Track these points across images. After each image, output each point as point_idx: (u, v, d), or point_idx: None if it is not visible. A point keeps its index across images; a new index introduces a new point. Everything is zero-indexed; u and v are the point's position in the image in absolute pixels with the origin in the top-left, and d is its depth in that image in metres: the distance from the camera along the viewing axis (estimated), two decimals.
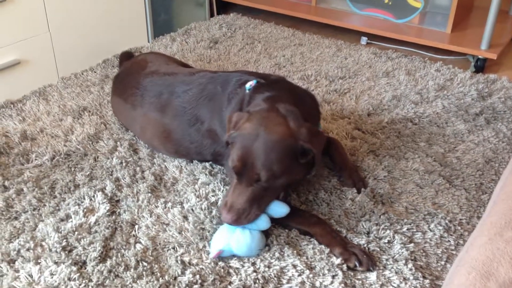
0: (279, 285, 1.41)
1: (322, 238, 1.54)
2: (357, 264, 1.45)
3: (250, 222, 1.49)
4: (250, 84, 1.71)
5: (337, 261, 1.47)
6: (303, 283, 1.41)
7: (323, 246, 1.53)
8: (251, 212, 1.48)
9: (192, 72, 1.96)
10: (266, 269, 1.45)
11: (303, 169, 1.55)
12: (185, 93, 1.85)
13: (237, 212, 1.46)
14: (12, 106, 2.32)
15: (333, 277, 1.42)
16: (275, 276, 1.43)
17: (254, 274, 1.43)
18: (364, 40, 3.11)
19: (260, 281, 1.41)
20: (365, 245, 1.53)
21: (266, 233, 1.57)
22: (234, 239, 1.48)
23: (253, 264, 1.47)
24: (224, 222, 1.50)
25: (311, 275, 1.43)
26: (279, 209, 1.55)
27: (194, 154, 1.88)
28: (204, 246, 1.53)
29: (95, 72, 2.66)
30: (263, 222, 1.52)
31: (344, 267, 1.46)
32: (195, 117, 1.81)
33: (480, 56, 2.73)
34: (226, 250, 1.48)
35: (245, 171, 1.47)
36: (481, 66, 2.73)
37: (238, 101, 1.72)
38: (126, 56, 2.49)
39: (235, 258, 1.50)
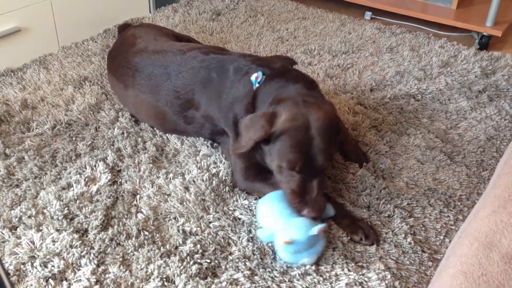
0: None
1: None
2: (363, 238, 1.46)
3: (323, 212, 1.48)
4: (255, 76, 1.63)
5: (338, 233, 1.48)
6: None
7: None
8: (323, 203, 1.47)
9: (183, 50, 1.87)
10: None
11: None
12: (177, 77, 1.80)
13: (320, 208, 1.44)
14: (12, 74, 2.30)
15: (333, 249, 1.43)
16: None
17: (255, 245, 1.44)
18: (368, 15, 3.07)
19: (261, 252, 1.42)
20: (367, 219, 1.54)
21: None
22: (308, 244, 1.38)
23: (252, 237, 1.48)
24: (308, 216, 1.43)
25: None
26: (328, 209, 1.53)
27: (192, 133, 1.87)
28: (204, 216, 1.54)
29: (96, 42, 2.63)
30: (329, 209, 1.52)
31: (344, 239, 1.47)
32: (189, 102, 1.78)
33: (484, 33, 2.70)
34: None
35: (307, 166, 1.44)
36: (486, 43, 2.71)
37: (246, 95, 1.63)
38: (125, 29, 2.41)
39: (235, 229, 1.50)
